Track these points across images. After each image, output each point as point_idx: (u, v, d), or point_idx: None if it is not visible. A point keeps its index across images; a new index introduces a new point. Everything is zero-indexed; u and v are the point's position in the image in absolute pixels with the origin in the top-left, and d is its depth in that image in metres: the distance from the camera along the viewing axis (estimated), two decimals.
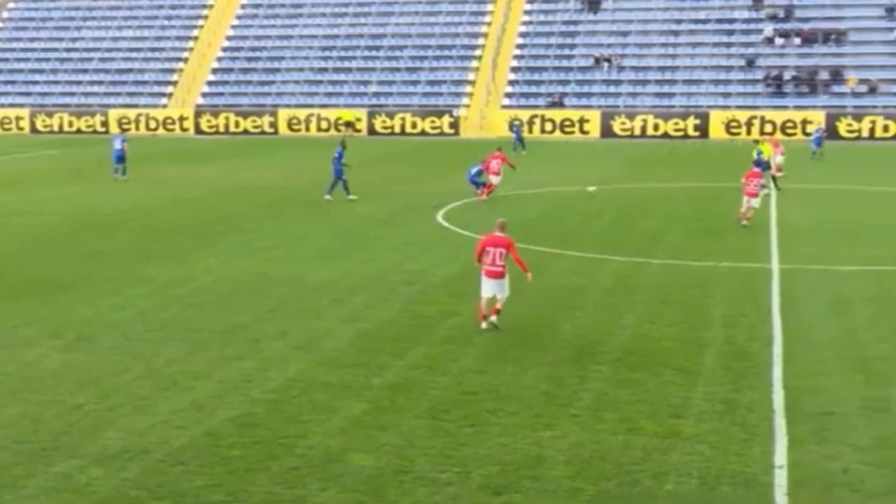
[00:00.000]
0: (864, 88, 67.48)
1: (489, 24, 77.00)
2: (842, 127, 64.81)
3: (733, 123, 65.61)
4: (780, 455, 13.04)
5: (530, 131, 67.70)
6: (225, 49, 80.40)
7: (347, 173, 37.33)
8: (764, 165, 37.95)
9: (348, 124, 70.38)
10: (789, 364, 16.94)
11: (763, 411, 14.68)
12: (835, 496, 11.91)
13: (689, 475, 12.41)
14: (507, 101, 71.81)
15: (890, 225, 31.67)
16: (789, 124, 65.42)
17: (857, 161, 52.78)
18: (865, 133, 64.24)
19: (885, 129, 63.09)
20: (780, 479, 12.29)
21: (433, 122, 70.58)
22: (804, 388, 15.75)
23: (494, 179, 37.66)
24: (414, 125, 70.70)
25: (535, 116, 69.43)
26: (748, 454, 13.11)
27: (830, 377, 16.33)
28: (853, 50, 70.76)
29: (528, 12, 77.40)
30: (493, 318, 18.88)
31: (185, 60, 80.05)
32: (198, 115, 74.48)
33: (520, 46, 75.33)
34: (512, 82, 73.05)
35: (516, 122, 64.21)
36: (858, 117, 65.13)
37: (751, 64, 70.85)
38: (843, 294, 22.10)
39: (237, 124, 73.48)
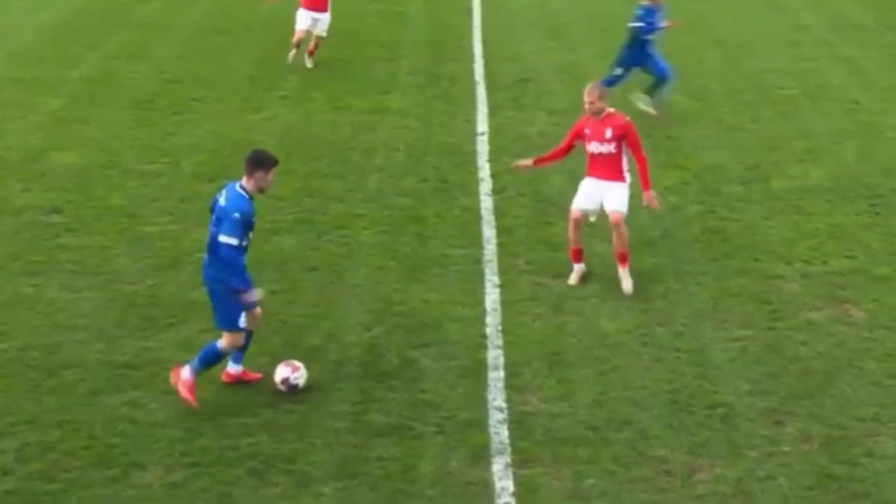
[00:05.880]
0: None
1: None
2: None
3: None
4: (482, 123, 13.60)
5: None
6: None
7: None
8: None
9: None
10: (488, 36, 17.37)
11: (465, 83, 15.14)
12: (529, 155, 12.59)
13: (397, 149, 12.78)
14: None
15: None
16: None
17: None
18: None
19: None
20: (482, 146, 12.86)
21: None
22: (503, 56, 16.28)
23: None
24: None
25: None
26: (452, 124, 13.60)
27: (527, 45, 16.91)
28: None
29: None
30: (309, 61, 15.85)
31: None
32: None
33: None
34: None
35: None
36: None
37: None
38: None
39: None
